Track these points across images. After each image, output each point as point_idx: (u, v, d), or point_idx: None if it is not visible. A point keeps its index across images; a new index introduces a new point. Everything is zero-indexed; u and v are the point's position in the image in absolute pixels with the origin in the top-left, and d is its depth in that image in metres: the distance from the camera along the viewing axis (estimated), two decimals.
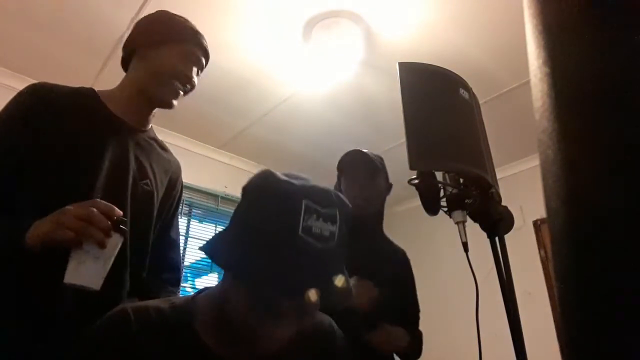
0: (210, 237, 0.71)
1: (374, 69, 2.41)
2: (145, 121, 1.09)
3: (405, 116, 0.90)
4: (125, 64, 1.09)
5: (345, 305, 0.66)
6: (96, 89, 1.07)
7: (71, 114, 0.97)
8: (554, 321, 2.44)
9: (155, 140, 1.13)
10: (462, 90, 0.99)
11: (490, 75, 2.43)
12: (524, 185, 2.84)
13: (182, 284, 1.21)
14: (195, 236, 3.07)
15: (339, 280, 0.65)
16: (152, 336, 0.69)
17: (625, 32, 0.32)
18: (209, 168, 3.23)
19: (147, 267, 1.06)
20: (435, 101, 0.96)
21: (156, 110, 1.11)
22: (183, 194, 1.23)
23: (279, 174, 0.69)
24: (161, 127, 1.21)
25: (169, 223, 1.16)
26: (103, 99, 1.04)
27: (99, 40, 2.20)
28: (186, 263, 2.90)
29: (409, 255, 1.53)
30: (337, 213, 0.66)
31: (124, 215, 0.82)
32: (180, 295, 1.09)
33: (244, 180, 0.73)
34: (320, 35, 2.15)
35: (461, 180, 0.95)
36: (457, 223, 0.94)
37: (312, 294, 0.59)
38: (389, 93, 2.48)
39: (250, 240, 0.64)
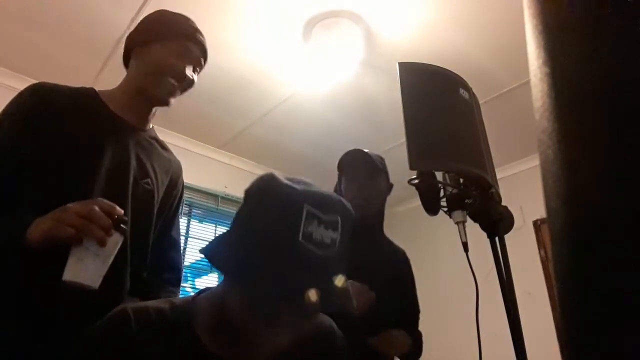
0: (211, 240, 0.70)
1: (374, 69, 2.41)
2: (145, 120, 1.09)
3: (405, 116, 0.90)
4: (126, 64, 1.10)
5: (345, 311, 0.66)
6: (96, 89, 1.07)
7: (71, 114, 0.97)
8: (554, 321, 2.44)
9: (156, 139, 1.13)
10: (462, 90, 0.99)
11: (490, 75, 2.43)
12: (524, 185, 2.84)
13: (182, 284, 1.21)
14: (195, 236, 3.07)
15: (339, 287, 0.64)
16: (152, 336, 0.69)
17: (625, 32, 0.32)
18: (209, 168, 3.23)
19: (148, 267, 1.06)
20: (435, 101, 0.96)
21: (157, 110, 1.11)
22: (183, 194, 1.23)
23: (282, 178, 0.68)
24: (161, 127, 1.20)
25: (170, 223, 1.16)
26: (104, 98, 1.04)
27: (99, 40, 2.20)
28: (186, 263, 2.90)
29: (409, 255, 1.53)
30: (339, 220, 0.65)
31: (125, 214, 0.82)
32: (181, 296, 1.09)
33: (244, 180, 0.73)
34: (320, 35, 2.15)
35: (461, 180, 0.95)
36: (457, 223, 0.94)
37: (311, 301, 0.58)
38: (389, 93, 2.48)
39: (250, 245, 0.63)
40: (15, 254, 0.81)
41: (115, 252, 0.78)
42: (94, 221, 0.74)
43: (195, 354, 0.69)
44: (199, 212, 3.18)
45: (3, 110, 0.96)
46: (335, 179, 1.51)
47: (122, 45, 1.09)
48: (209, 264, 2.97)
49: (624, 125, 0.30)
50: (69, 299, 0.84)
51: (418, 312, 1.47)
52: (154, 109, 1.09)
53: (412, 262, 1.51)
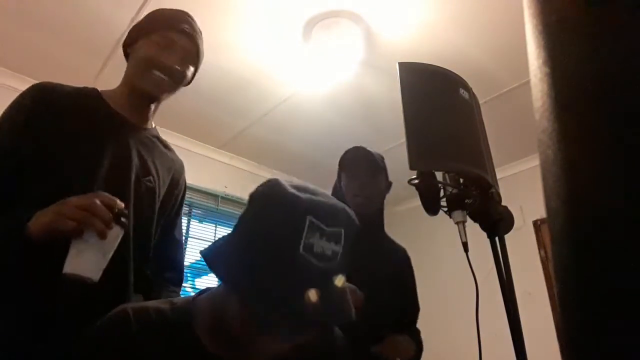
0: (212, 243, 0.70)
1: (374, 69, 2.41)
2: (145, 118, 1.09)
3: (405, 116, 0.90)
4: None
5: (344, 321, 0.65)
6: (97, 88, 1.07)
7: (72, 114, 0.97)
8: (554, 321, 2.44)
9: (158, 138, 1.14)
10: (462, 90, 0.99)
11: (490, 75, 2.43)
12: (524, 185, 2.84)
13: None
14: (195, 236, 3.07)
15: (338, 298, 0.63)
16: (152, 337, 0.69)
17: (626, 32, 0.32)
18: (209, 168, 3.23)
19: (150, 265, 1.06)
20: (435, 101, 0.96)
21: (157, 109, 1.11)
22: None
23: (287, 184, 0.66)
24: (161, 127, 1.20)
25: (172, 223, 1.16)
26: (105, 98, 1.05)
27: (99, 40, 2.20)
28: (186, 263, 2.88)
29: (409, 255, 1.53)
30: (343, 233, 0.64)
31: (127, 211, 0.82)
32: (181, 296, 1.09)
33: (244, 180, 0.72)
34: (320, 35, 2.16)
35: (461, 180, 0.95)
36: (457, 223, 0.94)
37: (310, 312, 0.58)
38: (389, 93, 2.48)
39: (250, 253, 0.62)
40: (15, 249, 0.81)
41: (116, 245, 0.78)
42: (94, 214, 0.74)
43: (196, 354, 0.69)
44: (199, 212, 3.18)
45: (5, 111, 0.96)
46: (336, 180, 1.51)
47: None
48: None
49: (624, 125, 0.30)
50: (71, 296, 0.84)
51: (418, 310, 1.47)
52: (152, 106, 1.09)
53: (412, 262, 1.51)
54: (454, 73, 1.02)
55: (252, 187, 0.70)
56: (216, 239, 0.78)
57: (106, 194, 0.79)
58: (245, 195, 0.69)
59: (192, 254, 2.94)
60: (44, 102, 0.96)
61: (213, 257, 0.66)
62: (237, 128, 3.03)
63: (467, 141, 0.96)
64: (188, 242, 2.97)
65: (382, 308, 1.21)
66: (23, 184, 0.89)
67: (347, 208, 0.67)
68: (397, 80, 0.94)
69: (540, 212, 2.96)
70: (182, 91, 1.19)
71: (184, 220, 3.00)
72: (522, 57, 0.78)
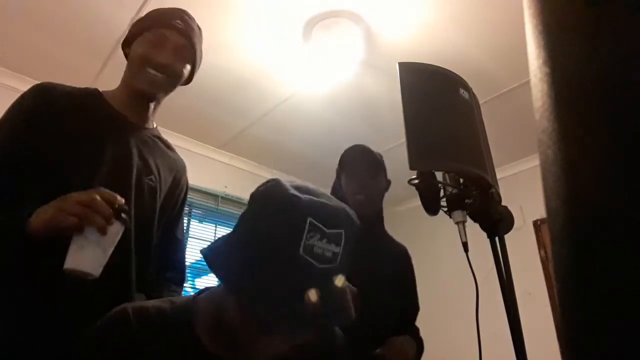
0: (212, 242, 0.70)
1: (374, 69, 2.41)
2: (145, 117, 1.09)
3: (405, 116, 0.90)
4: None
5: (344, 323, 0.65)
6: (97, 89, 1.07)
7: (72, 114, 0.97)
8: (554, 321, 2.44)
9: (160, 138, 1.14)
10: (462, 90, 0.99)
11: (490, 75, 2.43)
12: (524, 185, 2.84)
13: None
14: (195, 236, 3.07)
15: (338, 300, 0.63)
16: (152, 336, 0.69)
17: (625, 32, 0.32)
18: (209, 168, 3.23)
19: (152, 264, 1.06)
20: (435, 101, 0.96)
21: (157, 108, 1.11)
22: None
23: (288, 185, 0.66)
24: (161, 127, 1.20)
25: (174, 223, 1.16)
26: (106, 98, 1.05)
27: (99, 40, 2.20)
28: (186, 263, 2.90)
29: (410, 254, 1.52)
30: (343, 235, 0.63)
31: (128, 209, 0.82)
32: (182, 296, 1.09)
33: (244, 180, 0.72)
34: (320, 35, 2.16)
35: (461, 180, 0.95)
36: (457, 223, 0.94)
37: (309, 313, 0.58)
38: (389, 93, 2.48)
39: (250, 253, 0.62)
40: (16, 247, 0.81)
41: (117, 241, 0.78)
42: (95, 210, 0.74)
43: (196, 354, 0.69)
44: (199, 212, 3.18)
45: (6, 111, 0.97)
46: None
47: None
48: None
49: (624, 125, 0.30)
50: (72, 295, 0.84)
51: (417, 310, 1.47)
52: (151, 105, 1.09)
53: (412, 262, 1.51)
54: (454, 73, 1.02)
55: (252, 187, 0.70)
56: (216, 238, 0.78)
57: (106, 190, 0.79)
58: (245, 195, 0.69)
59: (192, 254, 2.94)
60: (45, 103, 0.96)
61: (213, 256, 0.66)
62: (237, 128, 3.03)
63: (467, 141, 0.96)
64: (188, 242, 2.97)
65: (383, 309, 1.21)
66: (23, 184, 0.89)
67: (347, 209, 0.67)
68: (397, 80, 0.94)
69: (540, 212, 2.96)
70: (182, 91, 1.19)
71: (184, 220, 3.01)
72: (522, 57, 0.78)
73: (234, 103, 2.72)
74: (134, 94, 1.05)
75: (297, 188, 0.65)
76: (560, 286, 0.34)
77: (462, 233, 0.94)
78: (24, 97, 0.97)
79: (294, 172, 3.44)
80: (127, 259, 0.94)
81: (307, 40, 2.21)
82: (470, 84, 1.04)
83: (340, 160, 1.47)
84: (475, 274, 0.95)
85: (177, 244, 1.18)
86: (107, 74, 2.38)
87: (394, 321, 1.30)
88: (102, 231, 0.74)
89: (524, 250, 2.96)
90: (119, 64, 1.11)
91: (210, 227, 3.23)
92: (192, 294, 0.80)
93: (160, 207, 1.06)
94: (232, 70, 2.42)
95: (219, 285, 0.76)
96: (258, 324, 0.64)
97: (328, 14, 2.07)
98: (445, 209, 0.96)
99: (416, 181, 0.95)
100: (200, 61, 1.14)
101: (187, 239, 2.99)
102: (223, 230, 3.22)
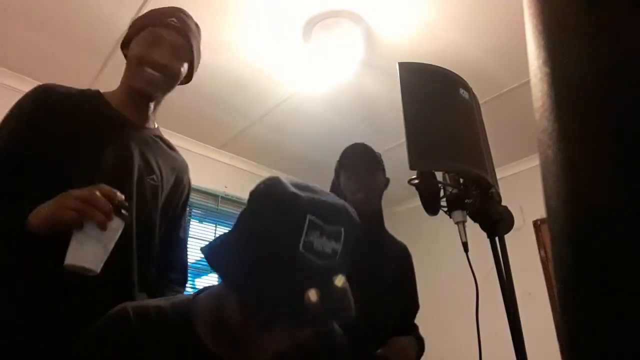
0: (212, 240, 0.70)
1: (374, 69, 2.41)
2: (145, 117, 1.09)
3: (405, 116, 0.90)
4: None
5: (344, 320, 0.65)
6: (96, 89, 1.08)
7: (72, 114, 0.98)
8: (554, 321, 2.44)
9: (161, 138, 1.14)
10: (462, 90, 0.99)
11: (490, 75, 2.43)
12: (524, 185, 2.84)
13: None
14: (195, 236, 3.07)
15: (338, 296, 0.63)
16: (152, 335, 0.69)
17: (625, 32, 0.32)
18: (209, 168, 3.23)
19: (155, 264, 1.06)
20: (435, 101, 0.96)
21: (157, 108, 1.11)
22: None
23: (287, 183, 0.66)
24: (161, 127, 1.20)
25: (177, 223, 1.16)
26: (106, 98, 1.05)
27: (99, 40, 2.20)
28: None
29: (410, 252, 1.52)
30: (343, 231, 0.64)
31: (129, 208, 0.82)
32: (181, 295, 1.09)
33: (244, 180, 0.72)
34: (320, 35, 2.16)
35: (461, 180, 0.95)
36: (457, 223, 0.94)
37: (309, 310, 0.58)
38: (389, 93, 2.48)
39: (250, 251, 0.62)
40: (16, 246, 0.81)
41: (117, 237, 0.78)
42: (94, 205, 0.74)
43: (196, 353, 0.69)
44: (199, 212, 3.17)
45: (7, 113, 0.97)
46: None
47: None
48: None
49: (624, 125, 0.30)
50: (72, 295, 0.84)
51: (417, 308, 1.47)
52: (150, 105, 1.09)
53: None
54: (454, 73, 1.02)
55: (252, 187, 0.70)
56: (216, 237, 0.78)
57: (106, 186, 0.79)
58: (245, 195, 0.69)
59: (192, 254, 2.93)
60: (45, 103, 0.96)
61: (213, 254, 0.66)
62: (237, 128, 3.03)
63: (467, 141, 0.96)
64: (188, 242, 2.97)
65: (383, 308, 1.21)
66: (23, 184, 0.89)
67: (347, 206, 0.67)
68: (397, 80, 0.94)
69: (540, 212, 2.96)
70: (182, 91, 1.19)
71: None
72: (522, 57, 0.78)
73: (234, 103, 2.72)
74: (133, 93, 1.05)
75: (297, 186, 0.66)
76: (560, 286, 0.34)
77: (462, 233, 0.94)
78: (24, 98, 0.98)
79: (294, 172, 3.43)
80: (129, 259, 0.94)
81: (307, 40, 2.21)
82: (470, 84, 1.04)
83: (339, 160, 1.47)
84: (475, 274, 0.95)
85: (180, 244, 1.18)
86: (107, 74, 2.38)
87: (394, 321, 1.30)
88: (102, 227, 0.74)
89: (524, 250, 2.96)
90: (119, 64, 1.11)
91: (210, 227, 3.22)
92: (192, 293, 0.80)
93: (163, 207, 1.06)
94: (232, 70, 2.42)
95: (219, 284, 0.76)
96: (258, 322, 0.64)
97: (328, 14, 2.07)
98: (445, 209, 0.96)
99: (416, 181, 0.95)
100: (199, 59, 1.14)
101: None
102: (223, 230, 3.20)
